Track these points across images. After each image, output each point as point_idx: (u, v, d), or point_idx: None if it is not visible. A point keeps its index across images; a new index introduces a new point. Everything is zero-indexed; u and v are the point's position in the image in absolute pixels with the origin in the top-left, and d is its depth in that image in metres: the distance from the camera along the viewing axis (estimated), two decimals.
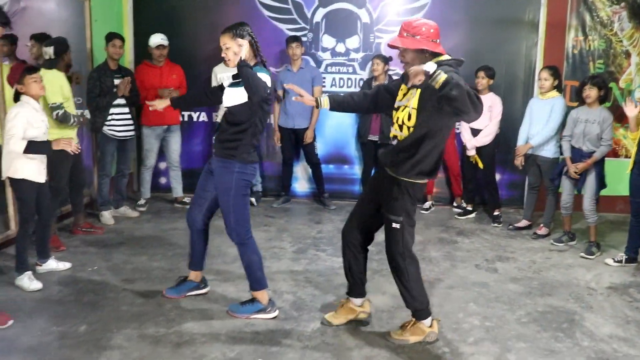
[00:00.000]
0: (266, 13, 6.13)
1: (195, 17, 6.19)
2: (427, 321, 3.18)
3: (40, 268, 3.98)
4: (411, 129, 2.95)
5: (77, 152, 3.89)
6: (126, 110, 5.24)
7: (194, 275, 3.69)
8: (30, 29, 5.28)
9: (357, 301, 3.37)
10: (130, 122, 5.29)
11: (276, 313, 3.45)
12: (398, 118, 3.04)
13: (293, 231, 5.17)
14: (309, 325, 3.34)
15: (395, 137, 3.09)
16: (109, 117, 5.12)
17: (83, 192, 4.99)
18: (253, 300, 3.47)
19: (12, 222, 4.44)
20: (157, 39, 5.57)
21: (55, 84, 4.30)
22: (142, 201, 5.77)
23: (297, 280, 3.98)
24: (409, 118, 2.96)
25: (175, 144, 5.83)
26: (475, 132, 5.57)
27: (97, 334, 3.14)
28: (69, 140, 3.73)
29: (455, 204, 6.11)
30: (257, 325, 3.30)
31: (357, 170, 6.31)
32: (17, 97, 3.68)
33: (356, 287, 3.35)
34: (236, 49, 3.27)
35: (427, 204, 6.06)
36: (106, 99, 5.08)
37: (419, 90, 2.91)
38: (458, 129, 5.85)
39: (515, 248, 4.88)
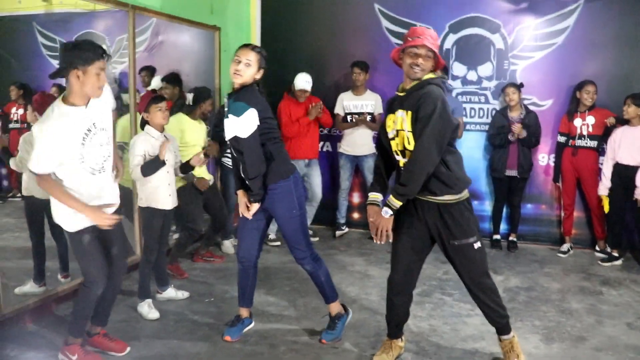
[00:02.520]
0: (394, 41, 5.93)
1: (323, 47, 6.14)
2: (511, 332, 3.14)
3: (160, 296, 4.01)
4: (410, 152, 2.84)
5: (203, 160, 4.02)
6: None
7: (247, 312, 3.54)
8: (166, 60, 5.52)
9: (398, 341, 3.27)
10: None
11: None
12: (397, 145, 2.89)
13: None
14: None
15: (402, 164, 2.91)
16: (228, 149, 5.15)
17: (220, 229, 5.03)
18: (337, 316, 3.47)
19: (137, 248, 4.54)
20: (302, 83, 5.38)
21: (175, 129, 4.36)
22: (272, 236, 5.55)
23: (420, 327, 3.65)
24: (408, 141, 2.81)
25: (317, 177, 5.68)
26: (621, 168, 4.97)
27: None
28: (164, 144, 3.68)
29: (597, 248, 5.45)
30: None
31: (487, 206, 5.85)
32: (142, 126, 3.77)
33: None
34: (254, 71, 3.13)
35: (565, 247, 5.47)
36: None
37: (409, 112, 2.80)
38: (601, 164, 5.26)
39: None
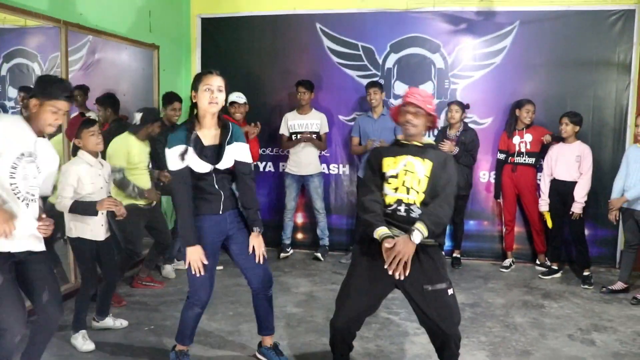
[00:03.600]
0: (336, 60, 5.95)
1: (266, 67, 6.10)
2: None
3: (97, 324, 3.80)
4: (421, 194, 2.84)
5: (122, 216, 3.60)
6: None
7: (185, 348, 3.30)
8: (103, 79, 5.34)
9: None
10: None
11: None
12: (404, 182, 2.86)
13: None
14: None
15: (400, 201, 2.84)
16: None
17: (165, 252, 4.86)
18: (277, 345, 3.41)
19: (72, 276, 4.31)
20: (230, 97, 5.29)
21: (122, 149, 4.27)
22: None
23: (368, 348, 3.59)
24: (419, 183, 2.85)
25: None
26: (558, 184, 5.13)
27: None
28: (114, 201, 3.50)
29: (538, 262, 5.57)
30: None
31: None
32: (75, 152, 3.58)
33: None
34: (224, 96, 3.05)
35: (507, 262, 5.56)
36: None
37: (428, 161, 2.88)
38: (539, 179, 5.40)
39: (612, 316, 4.30)
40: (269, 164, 6.20)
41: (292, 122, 5.69)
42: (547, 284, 5.08)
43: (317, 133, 5.67)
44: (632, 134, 5.13)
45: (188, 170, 2.96)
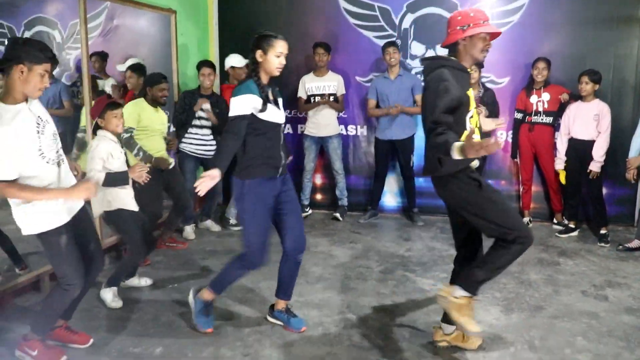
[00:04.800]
0: (352, 21, 5.93)
1: (282, 27, 6.07)
2: None
3: (123, 284, 3.96)
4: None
5: (144, 182, 3.71)
6: (209, 135, 5.18)
7: (213, 298, 3.39)
8: (121, 45, 5.41)
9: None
10: (213, 143, 5.20)
11: None
12: (474, 122, 2.81)
13: (380, 249, 4.90)
14: (396, 356, 3.06)
15: None
16: (189, 137, 5.12)
17: (185, 214, 4.94)
18: (289, 307, 3.45)
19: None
20: (229, 61, 5.50)
21: (133, 112, 4.37)
22: (233, 220, 5.51)
23: (384, 304, 3.70)
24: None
25: None
26: (576, 142, 5.11)
27: (172, 357, 3.03)
28: (143, 165, 3.69)
29: (555, 221, 5.61)
30: (339, 355, 3.07)
31: None
32: (95, 130, 3.70)
33: None
34: None
35: (525, 220, 5.59)
36: (184, 115, 5.06)
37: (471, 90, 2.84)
38: (556, 138, 5.39)
39: (627, 273, 4.35)
40: (288, 126, 6.25)
41: (309, 85, 5.73)
42: (563, 242, 5.13)
43: (334, 94, 5.70)
44: None
45: (245, 122, 2.99)
